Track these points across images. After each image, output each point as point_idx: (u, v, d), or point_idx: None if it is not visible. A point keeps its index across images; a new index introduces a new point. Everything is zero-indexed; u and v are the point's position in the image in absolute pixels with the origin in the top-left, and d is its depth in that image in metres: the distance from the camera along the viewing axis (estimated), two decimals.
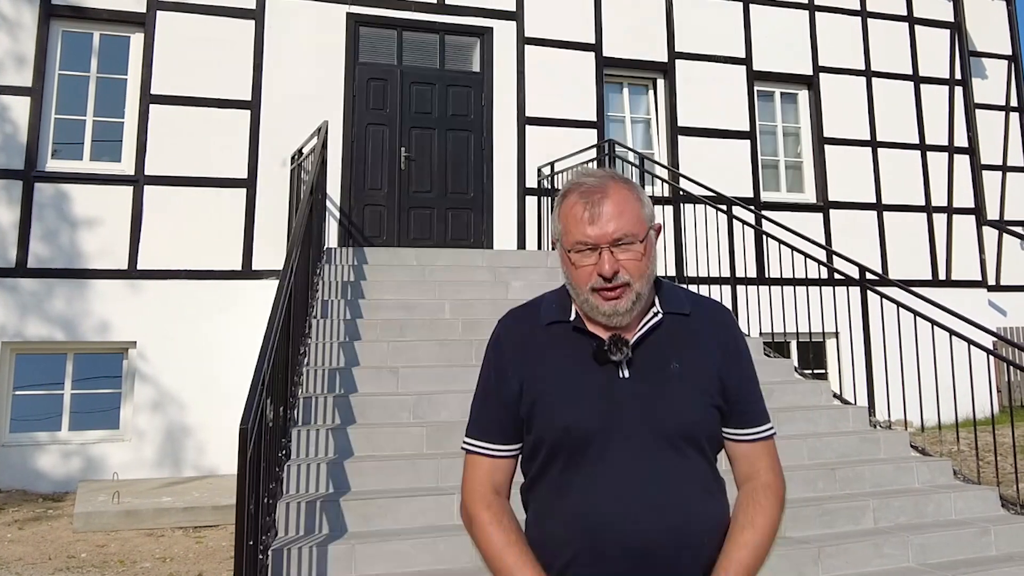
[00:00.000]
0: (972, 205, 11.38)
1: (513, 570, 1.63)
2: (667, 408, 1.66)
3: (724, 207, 7.51)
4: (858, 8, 11.26)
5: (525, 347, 1.75)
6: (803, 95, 10.95)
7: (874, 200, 10.85)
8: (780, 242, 7.08)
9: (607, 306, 1.66)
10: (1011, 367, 6.34)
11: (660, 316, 1.74)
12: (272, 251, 8.35)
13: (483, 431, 1.78)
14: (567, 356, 1.71)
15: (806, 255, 6.91)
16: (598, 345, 1.69)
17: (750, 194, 10.18)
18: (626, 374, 1.68)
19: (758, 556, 1.65)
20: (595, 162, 8.69)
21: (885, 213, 10.87)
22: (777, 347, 7.21)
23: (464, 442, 1.80)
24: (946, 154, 11.34)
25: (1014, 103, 12.14)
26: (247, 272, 8.34)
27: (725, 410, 1.73)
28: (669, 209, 9.46)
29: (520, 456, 1.79)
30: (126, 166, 8.35)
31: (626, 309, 1.66)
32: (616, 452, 1.63)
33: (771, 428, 1.79)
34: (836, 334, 8.63)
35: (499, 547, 1.66)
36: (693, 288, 7.20)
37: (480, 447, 1.77)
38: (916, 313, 6.15)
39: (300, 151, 8.15)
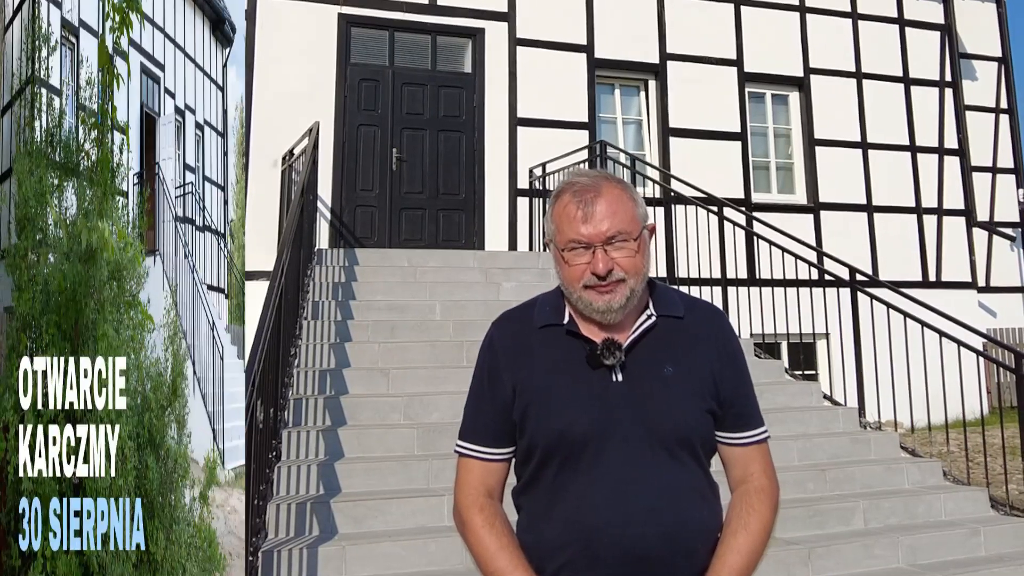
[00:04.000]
0: (962, 207, 11.43)
1: (505, 573, 1.62)
2: (661, 412, 1.65)
3: (715, 208, 7.52)
4: (849, 10, 11.30)
5: (518, 350, 1.74)
6: (794, 96, 10.98)
7: (864, 201, 10.88)
8: (771, 243, 7.09)
9: (601, 302, 1.64)
10: (1001, 368, 6.36)
11: (653, 319, 1.72)
12: (263, 252, 8.30)
13: (476, 434, 1.76)
14: (560, 360, 1.70)
15: (797, 256, 6.92)
16: (591, 349, 1.67)
17: (741, 195, 10.19)
18: (619, 378, 1.67)
19: (751, 560, 1.65)
20: (587, 163, 8.69)
21: (875, 214, 10.91)
22: (768, 348, 7.22)
23: (457, 445, 1.79)
24: (936, 156, 11.38)
25: (1004, 105, 12.20)
26: None
27: (719, 414, 1.72)
28: (660, 210, 9.44)
29: (513, 459, 1.77)
30: None
31: (620, 305, 1.65)
32: (610, 457, 1.63)
33: (765, 431, 1.79)
34: (827, 335, 8.62)
35: (492, 551, 1.65)
36: (684, 289, 7.21)
37: (473, 451, 1.76)
38: (906, 314, 6.16)
39: (291, 151, 8.11)
